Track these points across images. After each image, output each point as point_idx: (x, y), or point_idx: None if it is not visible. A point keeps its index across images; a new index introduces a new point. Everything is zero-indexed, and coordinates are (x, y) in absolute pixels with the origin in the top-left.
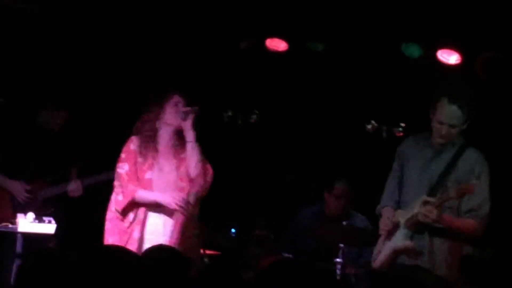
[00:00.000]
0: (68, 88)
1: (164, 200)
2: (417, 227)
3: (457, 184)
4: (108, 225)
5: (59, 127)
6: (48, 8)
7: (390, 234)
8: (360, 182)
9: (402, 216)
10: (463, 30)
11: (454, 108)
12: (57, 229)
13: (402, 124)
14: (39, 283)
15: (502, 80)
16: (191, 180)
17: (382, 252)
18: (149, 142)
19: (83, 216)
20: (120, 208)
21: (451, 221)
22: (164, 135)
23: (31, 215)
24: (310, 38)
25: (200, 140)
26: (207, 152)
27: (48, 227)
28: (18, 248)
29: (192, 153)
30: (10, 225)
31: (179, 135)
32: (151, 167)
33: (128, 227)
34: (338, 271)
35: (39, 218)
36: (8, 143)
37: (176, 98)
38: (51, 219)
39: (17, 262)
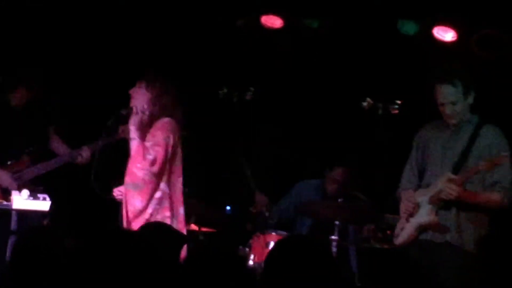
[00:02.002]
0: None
1: None
2: (441, 203)
3: (478, 160)
4: None
5: (24, 105)
6: None
7: (412, 213)
8: (355, 161)
9: (424, 194)
10: (459, 7)
11: (445, 86)
12: (51, 206)
13: (398, 102)
14: (34, 260)
15: (498, 57)
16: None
17: (405, 229)
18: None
19: (76, 192)
20: None
21: (474, 196)
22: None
23: (25, 192)
24: (305, 14)
25: (196, 117)
26: (203, 129)
27: (43, 204)
28: (13, 225)
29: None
30: (5, 202)
31: (150, 119)
32: None
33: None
34: (333, 248)
35: (33, 195)
36: None
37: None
38: (46, 196)
39: (12, 239)
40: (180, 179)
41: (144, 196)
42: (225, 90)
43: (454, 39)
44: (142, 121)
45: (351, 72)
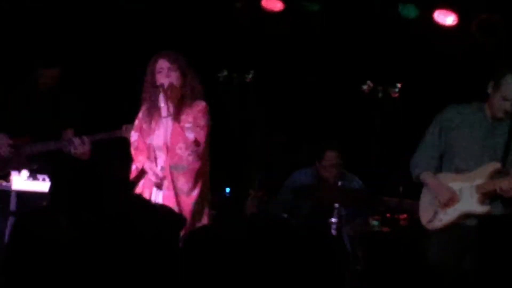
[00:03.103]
0: (59, 46)
1: (147, 170)
2: (492, 195)
3: None
4: None
5: (51, 86)
6: None
7: (453, 200)
8: (354, 144)
9: (462, 180)
10: None
11: None
12: (51, 187)
13: (398, 85)
14: (33, 241)
15: (498, 41)
16: (167, 151)
17: (443, 214)
18: (152, 108)
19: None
20: (131, 177)
21: None
22: (162, 100)
23: (25, 173)
24: None
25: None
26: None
27: (43, 185)
28: (12, 206)
29: (166, 127)
30: (4, 183)
31: (182, 101)
32: (152, 132)
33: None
34: (333, 231)
35: (33, 175)
36: None
37: (161, 63)
38: (46, 176)
39: (11, 220)
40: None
41: (189, 178)
42: (225, 73)
43: (454, 23)
44: (177, 98)
45: (351, 55)
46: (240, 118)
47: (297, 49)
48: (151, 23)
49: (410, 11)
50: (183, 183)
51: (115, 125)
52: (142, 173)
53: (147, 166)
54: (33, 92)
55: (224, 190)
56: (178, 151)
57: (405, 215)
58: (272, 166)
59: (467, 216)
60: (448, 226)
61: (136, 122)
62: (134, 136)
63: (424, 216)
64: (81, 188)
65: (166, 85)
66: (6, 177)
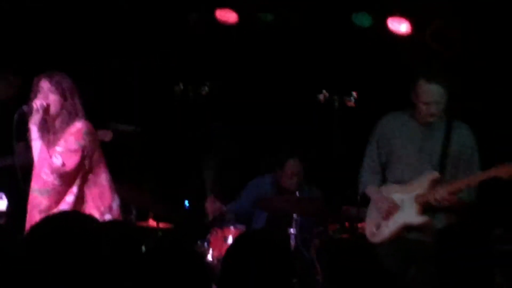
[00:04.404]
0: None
1: None
2: (430, 205)
3: (455, 159)
4: None
5: (8, 98)
6: None
7: (391, 212)
8: (312, 153)
9: (402, 192)
10: None
11: (434, 86)
12: (8, 206)
13: (354, 94)
14: None
15: (453, 49)
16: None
17: (384, 227)
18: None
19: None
20: None
21: (463, 202)
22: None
23: None
24: (260, 8)
25: (152, 113)
26: (160, 124)
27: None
28: None
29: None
30: None
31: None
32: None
33: None
34: (292, 242)
35: None
36: None
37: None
38: (2, 194)
39: None
40: (105, 176)
41: (52, 200)
42: (181, 86)
43: (408, 31)
44: (44, 120)
45: (307, 65)
46: (196, 131)
47: (252, 60)
48: (106, 36)
49: (364, 20)
50: (45, 205)
51: None
52: None
53: None
54: None
55: (183, 203)
56: (42, 175)
57: (364, 223)
58: (229, 177)
59: (407, 228)
60: (390, 239)
61: None
62: None
63: (368, 229)
64: None
65: (34, 106)
66: None
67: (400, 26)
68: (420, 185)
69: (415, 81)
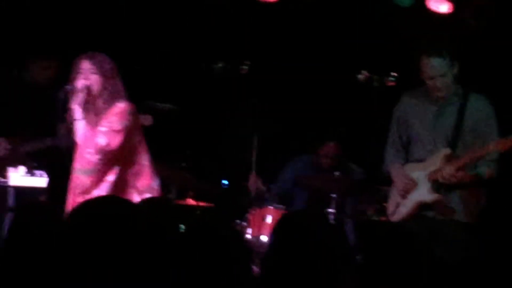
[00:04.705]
0: (59, 38)
1: None
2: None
3: (471, 133)
4: None
5: (48, 81)
6: None
7: (408, 190)
8: (352, 133)
9: (419, 169)
10: None
11: (434, 59)
12: (49, 183)
13: (394, 74)
14: (31, 236)
15: (490, 25)
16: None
17: (402, 205)
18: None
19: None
20: None
21: (474, 176)
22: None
23: (22, 168)
24: None
25: (192, 92)
26: (200, 103)
27: (40, 181)
28: (10, 202)
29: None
30: (2, 179)
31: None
32: None
33: None
34: (331, 221)
35: (30, 171)
36: None
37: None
38: (43, 172)
39: (9, 216)
40: (145, 156)
41: (94, 180)
42: (220, 65)
43: (449, 10)
44: (86, 100)
45: (347, 44)
46: (235, 110)
47: (293, 39)
48: (147, 17)
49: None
50: (87, 184)
51: None
52: None
53: None
54: (22, 87)
55: (222, 182)
56: (86, 155)
57: None
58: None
59: (422, 206)
60: (407, 218)
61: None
62: None
63: (389, 208)
64: None
65: (75, 87)
66: (3, 173)
67: (441, 6)
68: (434, 162)
69: (417, 59)
